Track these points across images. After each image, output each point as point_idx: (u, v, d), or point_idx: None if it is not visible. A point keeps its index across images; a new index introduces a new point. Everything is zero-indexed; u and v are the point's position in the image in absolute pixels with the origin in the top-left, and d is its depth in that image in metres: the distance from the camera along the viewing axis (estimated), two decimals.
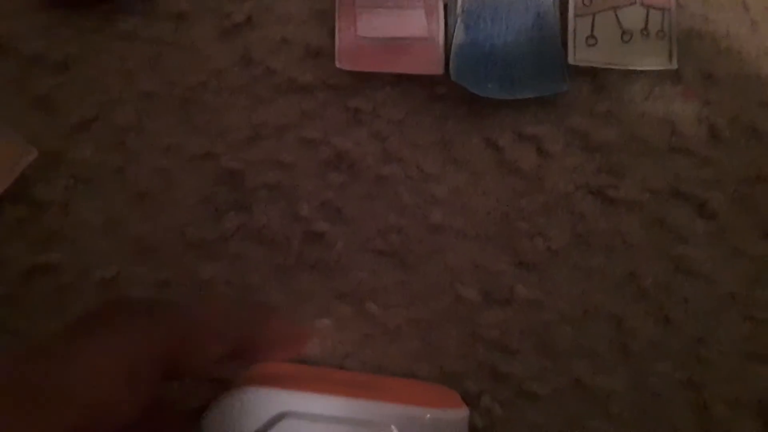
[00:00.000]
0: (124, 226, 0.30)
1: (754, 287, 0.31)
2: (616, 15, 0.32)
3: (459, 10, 0.31)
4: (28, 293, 0.30)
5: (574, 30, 0.32)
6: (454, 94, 0.32)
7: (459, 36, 0.31)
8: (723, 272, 0.32)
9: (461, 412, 0.21)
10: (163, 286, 0.30)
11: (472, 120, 0.32)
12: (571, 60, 0.31)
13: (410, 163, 0.32)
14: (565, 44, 0.31)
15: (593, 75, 0.32)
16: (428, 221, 0.31)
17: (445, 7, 0.32)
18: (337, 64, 0.31)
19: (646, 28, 0.32)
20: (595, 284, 0.31)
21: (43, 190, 0.30)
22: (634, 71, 0.32)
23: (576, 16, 0.32)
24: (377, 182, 0.32)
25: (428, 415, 0.21)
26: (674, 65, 0.32)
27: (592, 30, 0.32)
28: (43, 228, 0.30)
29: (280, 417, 0.19)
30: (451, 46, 0.31)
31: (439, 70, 0.31)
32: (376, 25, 0.31)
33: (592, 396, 0.31)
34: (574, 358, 0.31)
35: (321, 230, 0.31)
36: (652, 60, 0.32)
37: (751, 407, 0.31)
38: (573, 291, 0.31)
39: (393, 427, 0.20)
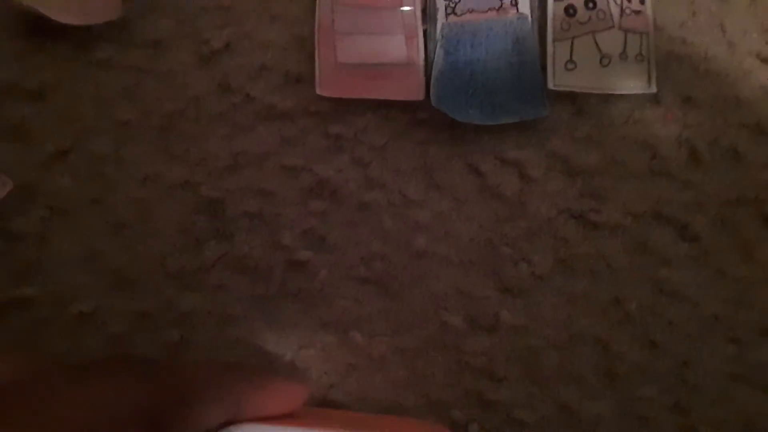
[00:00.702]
0: (103, 257, 0.30)
1: (738, 309, 0.32)
2: (595, 39, 0.32)
3: (438, 35, 0.31)
4: (4, 328, 0.29)
5: (553, 55, 0.32)
6: (435, 119, 0.31)
7: (439, 62, 0.31)
8: (706, 294, 0.32)
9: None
10: (142, 317, 0.30)
11: (454, 145, 0.32)
12: (550, 85, 0.31)
13: (393, 189, 0.32)
14: (544, 69, 0.32)
15: (573, 99, 0.32)
16: (412, 248, 0.31)
17: (425, 33, 0.32)
18: (318, 91, 0.31)
19: (624, 51, 0.32)
20: (579, 309, 0.31)
21: (18, 222, 0.29)
22: (614, 95, 0.32)
23: (555, 40, 0.32)
24: (360, 209, 0.31)
25: None
26: (653, 89, 0.32)
27: (571, 55, 0.32)
28: (19, 261, 0.29)
29: None
30: (431, 71, 0.31)
31: (419, 95, 0.31)
32: (356, 51, 0.31)
33: (580, 422, 0.31)
34: (561, 383, 0.31)
35: (304, 259, 0.31)
36: (631, 84, 0.32)
37: (737, 429, 0.31)
38: (558, 316, 0.31)
39: None
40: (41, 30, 0.30)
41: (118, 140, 0.30)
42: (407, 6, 0.32)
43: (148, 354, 0.29)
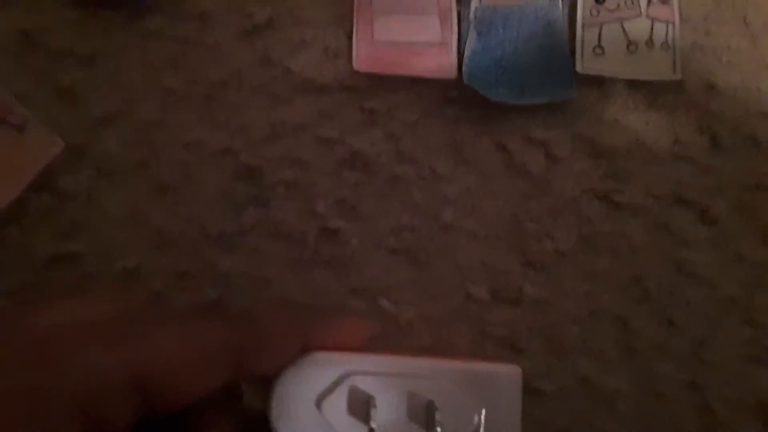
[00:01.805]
0: (146, 218, 0.31)
1: (754, 292, 0.32)
2: (623, 26, 0.33)
3: (472, 17, 0.33)
4: (51, 281, 0.30)
5: (582, 40, 0.33)
6: (466, 98, 0.33)
7: (471, 42, 0.32)
8: (724, 277, 0.33)
9: (515, 368, 0.22)
10: (182, 277, 0.31)
11: (483, 124, 0.33)
12: (578, 69, 0.32)
13: (423, 164, 0.33)
14: (573, 53, 0.33)
15: (600, 83, 0.33)
16: (440, 221, 0.32)
17: (459, 14, 0.33)
18: (354, 67, 0.32)
19: (650, 39, 0.33)
20: (600, 286, 0.32)
21: (67, 181, 0.31)
22: (639, 80, 0.33)
23: (584, 26, 0.33)
24: (391, 182, 0.33)
25: (486, 370, 0.22)
26: (678, 76, 0.33)
27: (599, 40, 0.33)
28: (67, 218, 0.31)
29: (346, 375, 0.20)
30: (463, 51, 0.32)
31: (452, 74, 0.32)
32: (392, 29, 0.32)
33: (598, 394, 0.32)
34: (581, 356, 0.32)
35: (336, 227, 0.32)
36: (656, 70, 0.33)
37: (751, 408, 0.32)
38: (579, 292, 0.32)
39: (452, 383, 0.21)
40: (95, 0, 0.31)
41: (164, 107, 0.32)
42: None
43: None
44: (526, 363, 0.32)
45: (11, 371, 0.16)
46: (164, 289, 0.31)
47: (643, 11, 0.33)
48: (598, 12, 0.33)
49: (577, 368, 0.32)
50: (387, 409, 0.20)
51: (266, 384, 0.20)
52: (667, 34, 0.33)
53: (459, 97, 0.33)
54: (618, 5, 0.33)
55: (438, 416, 0.20)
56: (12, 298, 0.30)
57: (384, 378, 0.20)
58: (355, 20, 0.32)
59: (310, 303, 0.31)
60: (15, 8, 0.31)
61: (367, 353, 0.21)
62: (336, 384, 0.20)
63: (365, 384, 0.20)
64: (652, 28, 0.33)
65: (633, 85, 0.33)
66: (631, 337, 0.32)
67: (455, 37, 0.33)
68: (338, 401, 0.20)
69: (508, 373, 0.22)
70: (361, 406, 0.20)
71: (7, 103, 0.30)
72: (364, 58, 0.32)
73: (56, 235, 0.31)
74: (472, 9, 0.33)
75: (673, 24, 0.34)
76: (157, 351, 0.17)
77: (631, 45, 0.33)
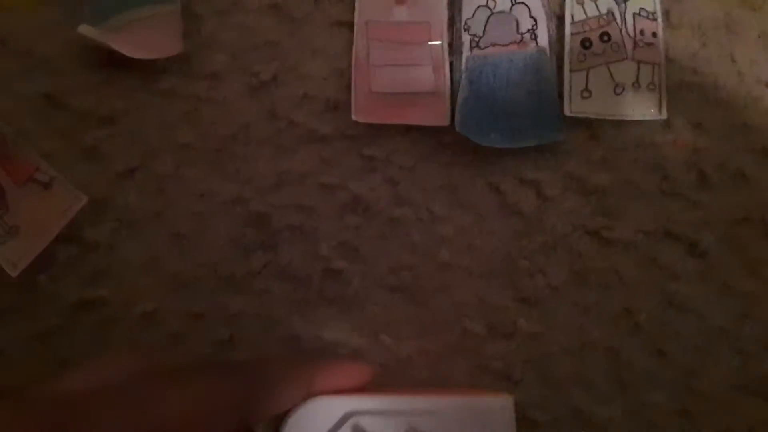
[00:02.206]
0: (163, 264, 0.34)
1: (743, 322, 0.34)
2: (609, 70, 0.35)
3: (463, 66, 0.34)
4: (77, 325, 0.33)
5: (570, 84, 0.34)
6: (459, 142, 0.34)
7: (464, 90, 0.34)
8: (713, 308, 0.34)
9: (507, 400, 0.23)
10: (197, 318, 0.33)
11: (477, 166, 0.35)
12: (567, 111, 0.34)
13: (420, 206, 0.35)
14: (561, 97, 0.34)
15: (588, 125, 0.35)
16: (437, 260, 0.34)
17: (451, 64, 0.35)
18: (354, 117, 0.34)
19: (637, 81, 0.35)
20: (592, 319, 0.34)
21: (91, 232, 0.33)
22: (627, 121, 0.34)
23: (571, 71, 0.35)
24: (390, 224, 0.34)
25: (482, 404, 0.23)
26: (664, 115, 0.34)
27: (586, 84, 0.34)
28: (91, 266, 0.33)
29: (349, 416, 0.22)
30: (456, 99, 0.34)
31: (445, 121, 0.34)
32: (388, 81, 0.34)
33: (591, 424, 0.33)
34: (574, 387, 0.33)
35: (339, 268, 0.34)
36: (643, 110, 0.34)
37: None
38: (572, 325, 0.34)
39: (451, 418, 0.22)
40: (113, 63, 0.34)
41: (179, 160, 0.34)
42: (435, 40, 0.35)
43: (201, 350, 0.33)
44: (521, 394, 0.34)
45: None
46: (180, 331, 0.33)
47: (629, 54, 0.35)
48: (585, 57, 0.35)
49: (570, 399, 0.33)
50: None
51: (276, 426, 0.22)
52: (653, 75, 0.35)
53: (453, 142, 0.35)
54: (604, 50, 0.35)
55: None
56: (42, 340, 0.33)
57: (385, 416, 0.22)
58: (353, 73, 0.34)
59: (312, 354, 0.33)
60: (39, 74, 0.34)
61: (368, 393, 0.23)
62: (339, 425, 0.22)
63: (367, 423, 0.22)
64: (638, 70, 0.35)
65: (620, 125, 0.35)
66: (623, 368, 0.33)
67: (448, 86, 0.34)
68: None
69: (502, 403, 0.23)
70: None
71: (35, 162, 0.33)
72: (362, 108, 0.34)
73: (81, 282, 0.33)
74: (464, 59, 0.34)
75: (659, 65, 0.35)
76: (168, 413, 0.19)
77: (617, 87, 0.34)
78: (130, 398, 0.19)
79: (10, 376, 0.33)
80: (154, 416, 0.18)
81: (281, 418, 0.22)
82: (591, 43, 0.35)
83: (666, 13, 0.36)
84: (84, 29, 0.33)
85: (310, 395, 0.22)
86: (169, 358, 0.33)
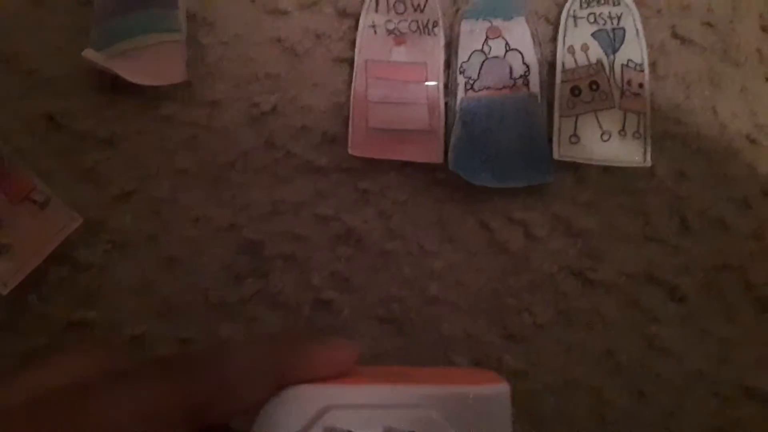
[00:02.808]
0: (154, 287, 0.34)
1: (721, 366, 0.35)
2: (597, 117, 0.36)
3: (458, 107, 0.36)
4: (65, 346, 0.33)
5: (559, 129, 0.36)
6: (452, 180, 0.35)
7: (457, 130, 0.35)
8: (692, 351, 0.35)
9: (503, 387, 0.21)
10: (185, 342, 0.33)
11: (468, 204, 0.36)
12: (555, 155, 0.35)
13: (411, 241, 0.35)
14: (551, 140, 0.35)
15: (576, 168, 0.36)
16: (426, 293, 0.35)
17: (446, 104, 0.36)
18: (350, 151, 0.35)
19: (623, 129, 0.36)
20: (575, 358, 0.35)
21: (84, 253, 0.34)
22: (613, 166, 0.36)
23: (561, 116, 0.36)
24: (382, 256, 0.35)
25: (471, 394, 0.20)
26: (648, 162, 0.36)
27: (575, 129, 0.36)
28: (82, 287, 0.33)
29: (323, 411, 0.19)
30: (450, 138, 0.35)
31: (439, 159, 0.35)
32: (385, 117, 0.35)
33: None
34: (556, 424, 0.34)
35: (329, 298, 0.34)
36: (628, 157, 0.36)
37: None
38: (556, 363, 0.34)
39: (435, 411, 0.19)
40: (115, 88, 0.35)
41: (176, 186, 0.35)
42: (432, 81, 0.36)
43: None
44: None
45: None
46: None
47: (616, 103, 0.36)
48: (575, 104, 0.36)
49: None
50: None
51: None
52: (638, 124, 0.36)
53: (445, 179, 0.36)
54: (593, 98, 0.36)
55: None
56: (29, 359, 0.33)
57: (363, 411, 0.19)
58: (351, 108, 0.35)
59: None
60: (42, 94, 0.35)
61: (347, 383, 0.20)
62: (313, 421, 0.19)
63: (343, 419, 0.19)
64: (624, 119, 0.36)
65: (606, 170, 0.36)
66: (604, 407, 0.34)
67: (443, 125, 0.36)
68: None
69: (496, 393, 0.21)
70: None
71: (32, 182, 0.33)
72: (358, 143, 0.35)
73: (71, 302, 0.33)
74: (459, 100, 0.36)
75: (645, 114, 0.36)
76: (106, 423, 0.17)
77: (604, 134, 0.36)
78: (65, 409, 0.18)
79: None
80: (95, 424, 0.17)
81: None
82: (580, 91, 0.36)
83: (653, 65, 0.37)
84: (89, 53, 0.34)
85: (281, 387, 0.19)
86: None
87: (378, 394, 0.20)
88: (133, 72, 0.34)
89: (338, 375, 0.20)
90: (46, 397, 0.18)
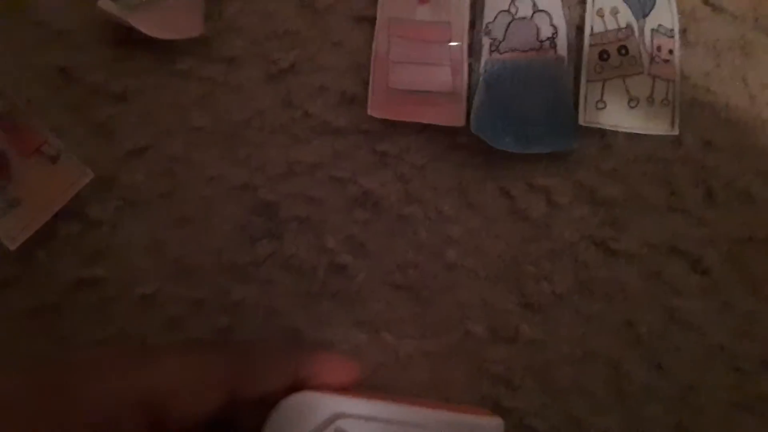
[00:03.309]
0: (166, 247, 0.33)
1: (742, 340, 0.34)
2: (625, 83, 0.35)
3: (482, 69, 0.34)
4: (75, 304, 0.32)
5: (585, 94, 0.35)
6: (473, 144, 0.34)
7: (480, 93, 0.34)
8: (714, 324, 0.34)
9: (497, 421, 0.23)
10: (197, 304, 0.33)
11: (488, 169, 0.35)
12: (581, 121, 0.34)
13: (429, 205, 0.35)
14: (576, 106, 0.34)
15: (601, 135, 0.35)
16: (443, 260, 0.34)
17: (470, 66, 0.35)
18: (369, 112, 0.34)
19: (651, 96, 0.35)
20: (594, 329, 0.34)
21: (95, 210, 0.33)
22: (639, 134, 0.35)
23: (588, 81, 0.35)
24: (398, 221, 0.34)
25: (470, 422, 0.23)
26: (676, 131, 0.35)
27: (602, 95, 0.35)
28: (92, 244, 0.33)
29: (334, 418, 0.21)
30: (473, 101, 0.34)
31: (461, 122, 0.34)
32: (406, 78, 0.34)
33: None
34: (573, 396, 0.33)
35: (344, 262, 0.34)
36: (655, 125, 0.35)
37: None
38: (574, 333, 0.34)
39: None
40: (130, 41, 0.34)
41: (190, 143, 0.34)
42: (455, 41, 0.35)
43: (199, 336, 0.33)
44: (520, 401, 0.33)
45: (34, 398, 0.18)
46: (180, 315, 0.33)
47: (645, 69, 0.35)
48: (602, 68, 0.35)
49: (569, 408, 0.33)
50: None
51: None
52: (667, 91, 0.35)
53: (466, 144, 0.35)
54: (621, 63, 0.35)
55: None
56: (37, 316, 0.32)
57: (371, 423, 0.21)
58: (372, 68, 0.34)
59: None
60: (54, 46, 0.34)
61: (358, 396, 0.22)
62: (324, 426, 0.21)
63: (352, 427, 0.21)
64: (653, 85, 0.35)
65: (632, 138, 0.35)
66: (622, 380, 0.33)
67: (465, 87, 0.34)
68: None
69: (493, 425, 0.23)
70: None
71: (43, 135, 0.32)
72: (378, 104, 0.34)
73: (81, 260, 0.33)
74: (483, 62, 0.35)
75: (674, 82, 0.35)
76: (162, 377, 0.19)
77: (632, 100, 0.35)
78: (127, 365, 0.19)
79: (3, 351, 0.32)
80: (148, 380, 0.19)
81: (266, 407, 0.22)
82: (609, 56, 0.35)
83: (683, 32, 0.36)
84: (104, 4, 0.33)
85: (295, 383, 0.22)
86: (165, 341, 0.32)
87: (386, 410, 0.21)
88: (149, 25, 0.33)
89: (340, 386, 0.22)
90: (109, 353, 0.20)
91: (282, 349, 0.23)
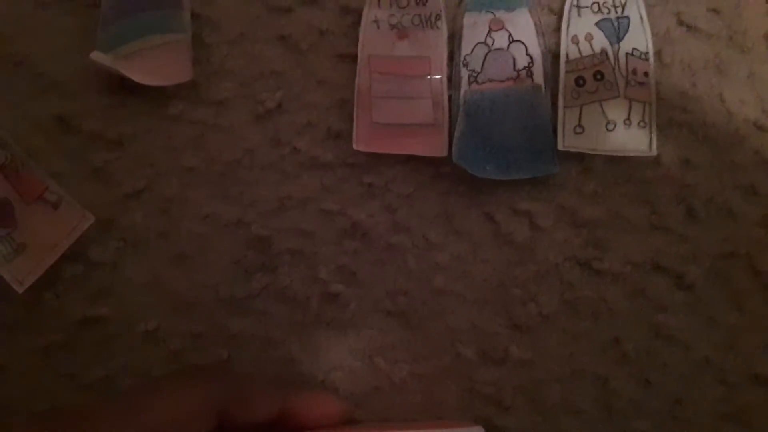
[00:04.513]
0: (166, 283, 0.34)
1: (728, 353, 0.35)
2: (602, 107, 0.36)
3: (461, 100, 0.36)
4: (81, 342, 0.34)
5: (563, 120, 0.36)
6: (456, 173, 0.36)
7: (461, 123, 0.35)
8: (699, 339, 0.35)
9: (478, 429, 0.24)
10: (197, 338, 0.34)
11: (472, 196, 0.36)
12: (560, 146, 0.35)
13: (417, 233, 0.36)
14: (555, 131, 0.35)
15: (581, 159, 0.36)
16: (432, 286, 0.35)
17: (450, 97, 0.36)
18: (354, 146, 0.35)
19: (628, 118, 0.36)
20: (582, 347, 0.35)
21: (97, 251, 0.34)
22: (618, 156, 0.36)
23: (565, 107, 0.36)
24: (387, 249, 0.36)
25: None
26: (654, 152, 0.36)
27: (579, 120, 0.36)
28: (96, 284, 0.34)
29: None
30: (454, 131, 0.35)
31: (443, 152, 0.35)
32: (389, 112, 0.36)
33: None
34: (562, 414, 0.34)
35: (337, 291, 0.35)
36: (633, 147, 0.36)
37: None
38: (562, 353, 0.35)
39: None
40: (123, 88, 0.35)
41: (184, 183, 0.35)
42: (435, 75, 0.36)
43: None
44: (511, 420, 0.34)
45: None
46: (180, 349, 0.34)
47: (621, 92, 0.36)
48: (579, 94, 0.36)
49: (559, 425, 0.34)
50: None
51: None
52: (644, 113, 0.36)
53: (450, 172, 0.36)
54: (597, 88, 0.36)
55: None
56: (45, 355, 0.34)
57: None
58: (355, 104, 0.36)
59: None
60: (52, 95, 0.35)
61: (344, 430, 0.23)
62: None
63: None
64: (630, 108, 0.36)
65: (612, 160, 0.36)
66: (611, 396, 0.34)
67: (447, 118, 0.36)
68: None
69: None
70: None
71: (44, 182, 0.34)
72: (363, 138, 0.35)
73: (85, 299, 0.34)
74: (462, 93, 0.36)
75: (650, 104, 0.36)
76: (156, 418, 0.20)
77: (609, 124, 0.36)
78: (123, 407, 0.20)
79: (14, 390, 0.33)
80: (144, 422, 0.20)
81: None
82: (584, 81, 0.36)
83: (658, 53, 0.37)
84: (96, 55, 0.34)
85: (282, 415, 0.23)
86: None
87: None
88: (140, 73, 0.35)
89: (329, 420, 0.24)
90: (106, 399, 0.22)
91: (270, 381, 0.24)
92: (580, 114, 0.36)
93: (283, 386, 0.24)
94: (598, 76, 0.36)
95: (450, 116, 0.36)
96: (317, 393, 0.24)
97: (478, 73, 0.36)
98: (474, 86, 0.36)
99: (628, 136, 0.36)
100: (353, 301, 0.35)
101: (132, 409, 0.20)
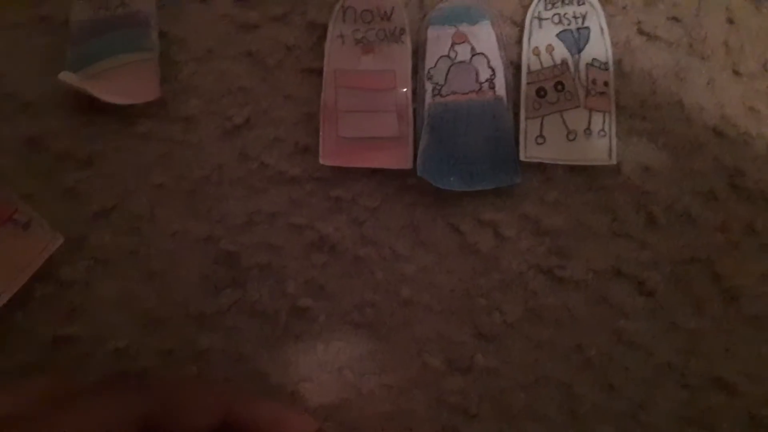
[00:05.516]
0: (136, 301, 0.35)
1: (689, 358, 0.35)
2: (562, 117, 0.37)
3: (426, 114, 0.36)
4: (53, 361, 0.34)
5: (525, 130, 0.36)
6: (422, 185, 0.36)
7: (425, 136, 0.36)
8: (660, 344, 0.36)
9: None
10: (167, 354, 0.35)
11: (438, 207, 0.37)
12: (522, 156, 0.36)
13: (384, 245, 0.36)
14: (517, 142, 0.36)
15: (543, 169, 0.37)
16: (399, 297, 0.36)
17: (414, 110, 0.37)
18: (321, 160, 0.36)
19: (588, 128, 0.37)
20: (545, 354, 0.36)
21: (67, 271, 0.35)
22: (579, 166, 0.36)
23: (527, 118, 0.37)
24: (355, 262, 0.36)
25: None
26: (614, 161, 0.36)
27: (541, 130, 0.36)
28: (66, 303, 0.35)
29: None
30: (418, 144, 0.36)
31: (408, 165, 0.36)
32: (355, 126, 0.36)
33: None
34: (528, 420, 0.35)
35: (305, 305, 0.36)
36: (593, 156, 0.36)
37: None
38: (526, 360, 0.35)
39: None
40: (92, 108, 0.36)
41: (153, 201, 0.36)
42: (400, 88, 0.37)
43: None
44: (478, 427, 0.35)
45: None
46: (151, 366, 0.35)
47: (581, 102, 0.37)
48: (540, 105, 0.37)
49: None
50: None
51: None
52: (604, 123, 0.37)
53: (416, 184, 0.36)
54: (558, 98, 0.37)
55: None
56: (18, 375, 0.34)
57: None
58: (321, 119, 0.36)
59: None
60: (21, 117, 0.36)
61: None
62: None
63: None
64: (590, 118, 0.37)
65: (573, 169, 0.37)
66: (575, 402, 0.35)
67: (411, 131, 0.36)
68: None
69: None
70: None
71: (14, 203, 0.34)
72: (329, 152, 0.36)
73: (56, 319, 0.35)
74: (426, 106, 0.36)
75: (610, 113, 0.37)
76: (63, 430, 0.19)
77: (570, 134, 0.36)
78: (30, 425, 0.19)
79: None
80: None
81: None
82: (545, 92, 0.37)
83: (618, 62, 0.38)
84: (64, 76, 0.35)
85: (228, 422, 0.22)
86: None
87: None
88: (108, 92, 0.36)
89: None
90: (15, 413, 0.20)
91: (211, 388, 0.23)
92: (542, 124, 0.37)
93: (227, 394, 0.23)
94: (559, 87, 0.37)
95: (415, 129, 0.36)
96: (268, 403, 0.24)
97: (442, 86, 0.37)
98: (438, 99, 0.36)
99: (589, 146, 0.37)
100: (322, 314, 0.36)
101: (39, 428, 0.19)
